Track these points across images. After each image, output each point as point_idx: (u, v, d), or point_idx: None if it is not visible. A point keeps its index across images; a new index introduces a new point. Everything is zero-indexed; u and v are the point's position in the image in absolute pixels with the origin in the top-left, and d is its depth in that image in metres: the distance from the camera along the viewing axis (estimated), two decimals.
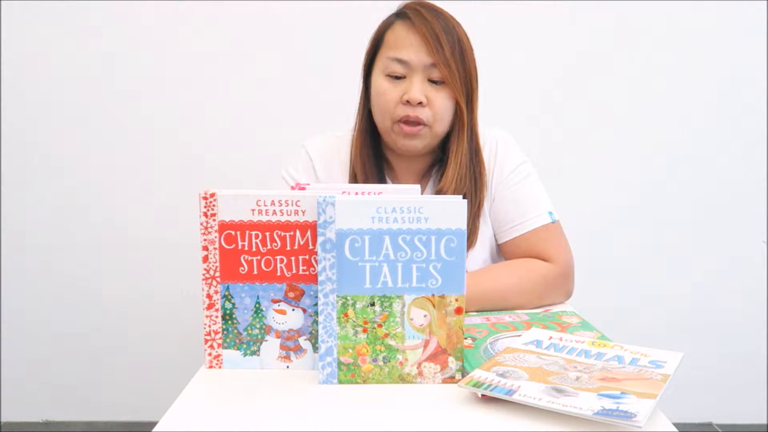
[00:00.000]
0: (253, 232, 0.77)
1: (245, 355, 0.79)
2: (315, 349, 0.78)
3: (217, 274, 0.78)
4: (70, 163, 1.85)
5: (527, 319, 0.93)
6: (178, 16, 1.78)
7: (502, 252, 1.12)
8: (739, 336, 1.94)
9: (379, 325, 0.74)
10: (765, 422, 1.96)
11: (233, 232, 0.77)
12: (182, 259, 1.85)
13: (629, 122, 1.85)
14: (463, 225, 0.73)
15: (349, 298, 0.74)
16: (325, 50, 1.79)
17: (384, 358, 0.75)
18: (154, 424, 0.63)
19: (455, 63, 1.00)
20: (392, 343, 0.75)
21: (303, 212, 0.76)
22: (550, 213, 1.09)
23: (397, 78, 1.02)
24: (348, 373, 0.75)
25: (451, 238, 0.73)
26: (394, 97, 1.01)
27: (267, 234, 0.77)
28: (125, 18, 1.78)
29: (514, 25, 1.80)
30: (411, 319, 0.75)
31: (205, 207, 0.77)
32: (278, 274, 0.77)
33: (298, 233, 0.76)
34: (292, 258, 0.77)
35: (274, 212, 0.76)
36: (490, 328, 0.89)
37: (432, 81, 1.01)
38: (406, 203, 0.73)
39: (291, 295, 0.78)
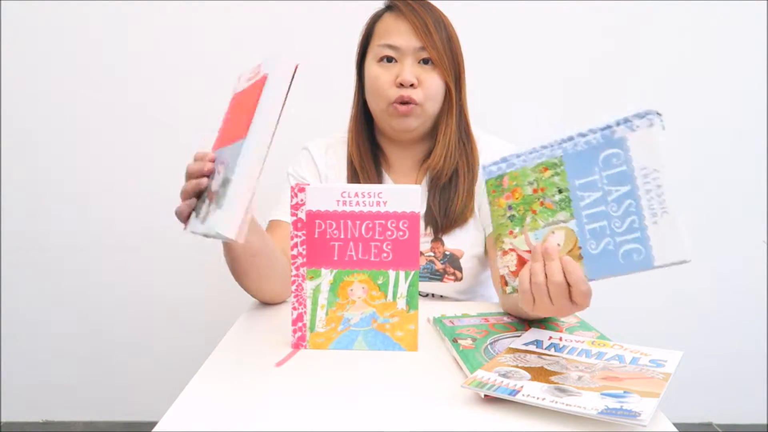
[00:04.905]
0: (238, 99, 0.78)
1: (195, 217, 0.78)
2: (213, 211, 0.72)
3: (215, 141, 0.83)
4: (70, 163, 1.85)
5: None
6: (179, 16, 1.78)
7: (487, 245, 1.14)
8: (739, 336, 1.94)
9: (541, 202, 0.76)
10: (765, 422, 1.96)
11: (233, 102, 0.81)
12: (183, 259, 1.85)
13: None
14: None
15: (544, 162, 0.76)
16: (324, 51, 1.78)
17: (511, 217, 0.78)
18: (154, 424, 0.63)
19: (443, 46, 1.07)
20: (528, 219, 0.77)
21: None
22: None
23: (389, 62, 1.08)
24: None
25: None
26: (387, 80, 1.07)
27: (241, 99, 0.77)
28: (126, 18, 1.78)
29: (518, 26, 1.80)
30: (553, 230, 0.75)
31: (235, 83, 0.81)
32: (231, 135, 0.75)
33: (252, 92, 0.75)
34: (241, 118, 0.74)
35: (250, 78, 0.78)
36: (489, 329, 0.89)
37: (422, 63, 1.07)
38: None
39: (226, 155, 0.75)
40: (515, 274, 0.78)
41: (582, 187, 0.73)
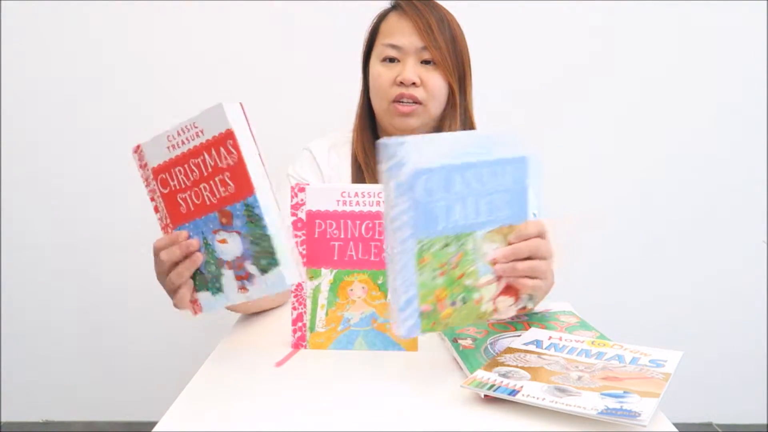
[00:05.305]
0: (176, 168, 0.77)
1: (214, 294, 0.77)
2: (261, 272, 0.73)
3: (169, 220, 0.78)
4: (70, 163, 1.84)
5: (526, 319, 0.93)
6: (178, 16, 1.78)
7: None
8: (739, 336, 1.94)
9: (455, 267, 0.72)
10: (765, 422, 1.96)
11: (164, 175, 0.78)
12: None
13: (629, 122, 1.85)
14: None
15: (425, 241, 0.69)
16: (324, 52, 1.79)
17: (462, 299, 0.72)
18: (154, 424, 0.63)
19: (446, 46, 1.07)
20: (468, 282, 0.73)
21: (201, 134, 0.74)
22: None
23: (392, 62, 1.09)
24: (429, 321, 0.71)
25: (516, 166, 0.75)
26: (389, 78, 1.08)
27: (186, 166, 0.76)
28: (126, 18, 1.78)
29: (515, 25, 1.80)
30: (484, 255, 0.73)
31: (138, 160, 0.80)
32: (207, 203, 0.75)
33: (213, 152, 0.73)
34: (211, 182, 0.74)
35: (183, 142, 0.76)
36: (489, 329, 0.88)
37: (425, 63, 1.08)
38: (475, 139, 0.72)
39: (224, 221, 0.74)
40: (503, 294, 0.76)
41: (447, 222, 0.70)
